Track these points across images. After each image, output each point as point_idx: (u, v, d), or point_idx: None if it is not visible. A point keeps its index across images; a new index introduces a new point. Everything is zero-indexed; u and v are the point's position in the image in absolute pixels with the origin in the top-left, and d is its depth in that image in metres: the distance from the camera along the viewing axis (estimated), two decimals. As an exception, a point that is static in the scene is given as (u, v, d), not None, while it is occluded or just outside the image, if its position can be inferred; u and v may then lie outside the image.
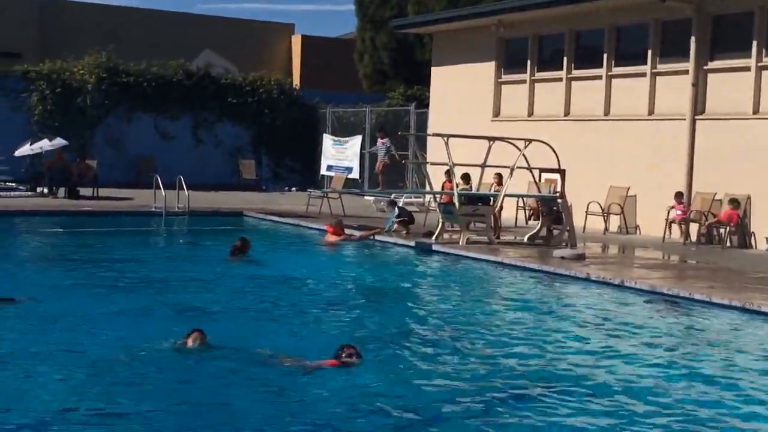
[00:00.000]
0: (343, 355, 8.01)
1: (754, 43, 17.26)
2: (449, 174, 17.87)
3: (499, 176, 17.97)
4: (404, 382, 7.89)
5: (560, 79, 21.45)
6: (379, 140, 22.67)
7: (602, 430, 6.79)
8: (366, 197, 24.63)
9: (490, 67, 23.31)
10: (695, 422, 7.03)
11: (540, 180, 18.71)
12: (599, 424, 6.91)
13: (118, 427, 6.57)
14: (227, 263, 14.26)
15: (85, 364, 8.08)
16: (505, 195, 17.62)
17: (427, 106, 26.26)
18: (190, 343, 8.37)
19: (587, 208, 19.26)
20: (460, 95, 24.09)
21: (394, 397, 7.40)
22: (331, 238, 17.18)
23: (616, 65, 20.22)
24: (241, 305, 11.24)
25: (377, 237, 17.61)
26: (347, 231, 17.63)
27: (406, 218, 18.23)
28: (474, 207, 17.27)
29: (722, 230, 17.39)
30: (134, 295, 11.58)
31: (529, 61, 22.31)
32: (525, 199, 20.39)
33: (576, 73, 21.21)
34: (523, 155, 17.28)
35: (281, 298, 11.86)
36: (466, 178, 18.44)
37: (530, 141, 17.37)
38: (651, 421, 6.99)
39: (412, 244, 16.88)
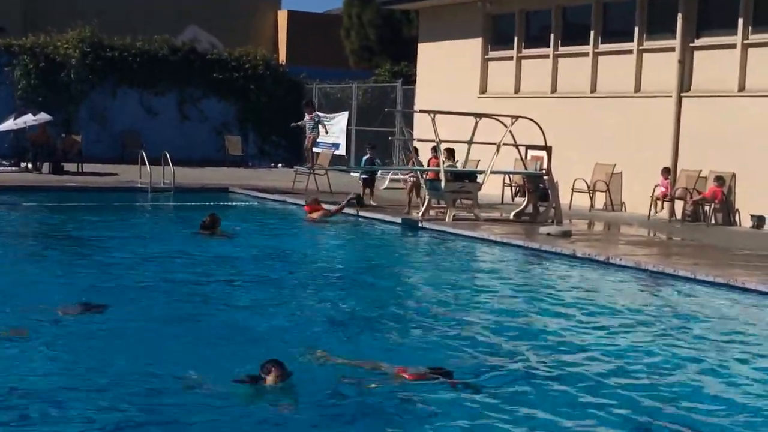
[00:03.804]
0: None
1: (740, 20, 17.24)
2: (436, 150, 17.85)
3: (449, 151, 17.78)
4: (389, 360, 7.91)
5: (547, 56, 21.42)
6: (307, 115, 22.54)
7: (584, 405, 6.83)
8: (352, 174, 24.57)
9: (477, 43, 23.24)
10: (675, 398, 7.08)
11: (526, 157, 18.72)
12: (581, 399, 6.95)
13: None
14: (205, 239, 14.16)
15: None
16: (492, 172, 17.65)
17: (413, 82, 26.19)
18: (269, 380, 6.71)
19: (573, 185, 19.29)
20: (447, 72, 24.03)
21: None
22: (313, 215, 17.15)
23: (603, 42, 20.19)
24: (218, 281, 11.19)
25: (359, 210, 17.72)
26: (325, 207, 17.62)
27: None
28: (460, 184, 17.27)
29: (707, 207, 17.47)
30: (112, 271, 11.54)
31: (516, 38, 22.25)
32: (511, 175, 20.40)
33: (563, 50, 21.17)
34: (510, 132, 17.28)
35: (265, 275, 11.85)
36: (450, 153, 18.26)
37: (517, 118, 17.36)
38: (633, 396, 7.04)
39: (399, 220, 16.89)
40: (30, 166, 24.08)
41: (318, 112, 22.91)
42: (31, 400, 6.47)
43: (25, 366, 7.25)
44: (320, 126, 22.39)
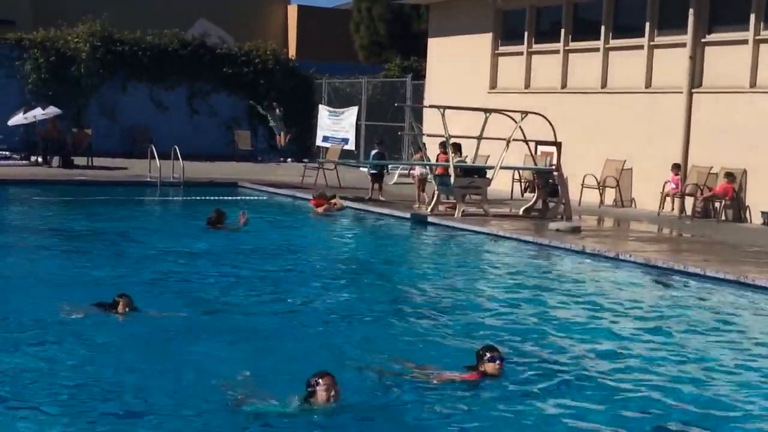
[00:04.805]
0: (485, 357, 7.08)
1: (752, 16, 17.15)
2: (444, 146, 17.80)
3: (455, 146, 17.61)
4: (398, 352, 7.91)
5: (557, 51, 21.35)
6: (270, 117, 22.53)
7: (590, 400, 6.82)
8: (361, 168, 24.57)
9: (487, 38, 23.18)
10: (683, 396, 7.05)
11: (536, 152, 18.67)
12: (588, 395, 6.93)
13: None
14: (215, 234, 14.21)
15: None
16: (501, 167, 17.60)
17: (423, 77, 26.14)
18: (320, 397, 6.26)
19: (583, 181, 19.24)
20: (457, 67, 23.98)
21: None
22: (318, 209, 17.19)
23: (614, 37, 20.11)
24: (229, 276, 11.21)
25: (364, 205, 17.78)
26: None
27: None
28: (470, 179, 17.23)
29: (717, 204, 17.39)
30: (133, 265, 11.55)
31: (526, 33, 22.19)
32: (521, 171, 20.35)
33: (573, 45, 21.10)
34: (520, 127, 17.24)
35: (273, 270, 11.85)
36: (457, 148, 18.11)
37: (527, 113, 17.31)
38: (641, 394, 7.02)
39: (408, 216, 16.87)
40: (40, 159, 24.13)
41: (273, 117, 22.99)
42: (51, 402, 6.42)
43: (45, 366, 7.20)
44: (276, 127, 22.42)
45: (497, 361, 7.07)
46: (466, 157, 18.63)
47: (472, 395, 6.79)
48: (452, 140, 17.31)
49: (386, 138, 24.25)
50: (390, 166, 23.15)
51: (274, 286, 10.77)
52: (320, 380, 6.18)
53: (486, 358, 7.08)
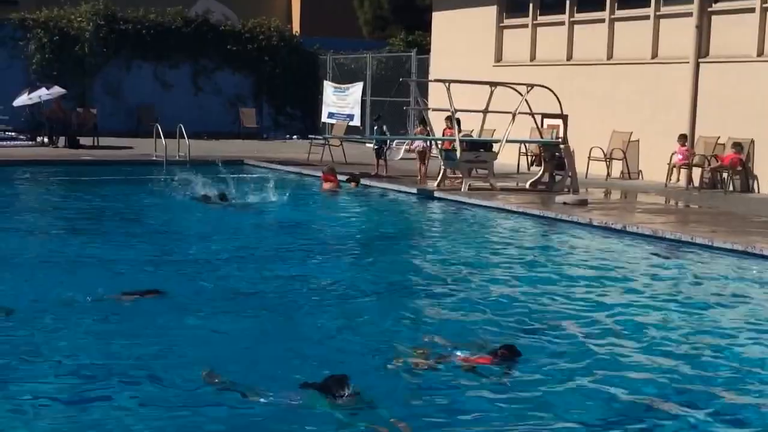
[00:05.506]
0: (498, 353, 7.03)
1: (760, -16, 17.03)
2: (450, 120, 17.75)
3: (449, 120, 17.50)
4: (407, 327, 7.91)
5: (563, 23, 21.23)
6: None
7: (599, 369, 6.82)
8: (367, 144, 24.51)
9: (491, 11, 23.05)
10: (693, 366, 7.05)
11: (542, 125, 18.61)
12: (596, 366, 6.93)
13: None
14: (225, 210, 14.23)
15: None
16: (507, 141, 17.55)
17: (428, 52, 26.04)
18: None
19: (590, 153, 19.18)
20: (462, 40, 23.87)
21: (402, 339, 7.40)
22: (327, 185, 17.22)
23: (619, 8, 19.99)
24: (242, 251, 11.23)
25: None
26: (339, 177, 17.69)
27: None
28: (476, 153, 17.19)
29: (725, 174, 17.32)
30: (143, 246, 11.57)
31: (531, 5, 22.06)
32: (527, 144, 20.30)
33: (578, 16, 20.97)
34: (526, 101, 17.17)
35: (285, 245, 11.86)
36: (456, 122, 17.97)
37: (532, 86, 17.24)
38: (649, 364, 7.02)
39: (414, 191, 16.86)
40: (46, 140, 24.15)
41: None
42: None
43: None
44: None
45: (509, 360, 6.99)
46: (472, 131, 18.57)
47: (487, 378, 6.73)
48: (459, 115, 17.23)
49: (392, 113, 24.15)
50: (395, 141, 23.09)
51: (284, 262, 10.75)
52: (337, 387, 6.07)
53: (499, 354, 7.01)
